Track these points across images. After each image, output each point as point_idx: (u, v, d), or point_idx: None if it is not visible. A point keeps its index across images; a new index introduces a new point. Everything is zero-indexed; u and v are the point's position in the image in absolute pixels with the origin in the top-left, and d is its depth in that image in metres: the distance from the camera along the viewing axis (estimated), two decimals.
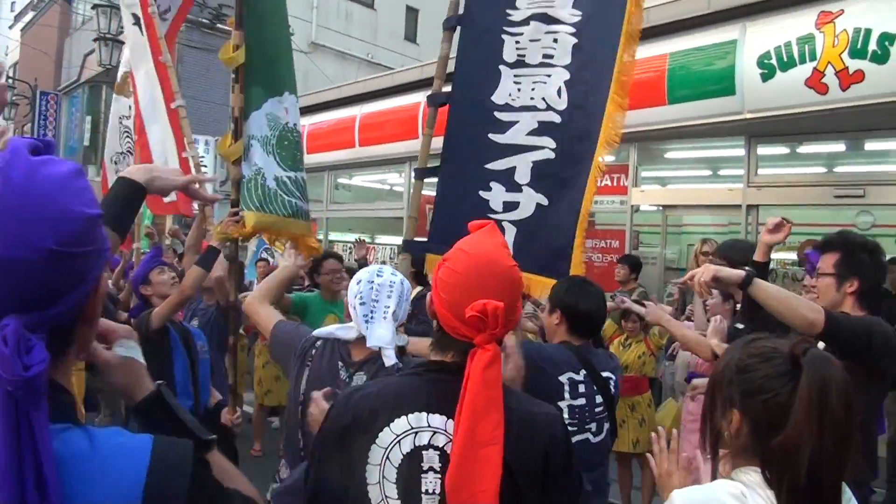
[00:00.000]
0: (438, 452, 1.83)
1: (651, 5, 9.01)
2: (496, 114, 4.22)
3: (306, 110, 14.30)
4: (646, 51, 8.59)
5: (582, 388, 3.44)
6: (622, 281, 7.74)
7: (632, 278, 7.81)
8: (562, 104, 4.09)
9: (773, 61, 7.56)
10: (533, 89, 4.18)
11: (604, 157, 3.93)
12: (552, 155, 4.10)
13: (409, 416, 1.86)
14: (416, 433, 1.84)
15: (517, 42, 4.21)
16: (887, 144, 8.21)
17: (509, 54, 4.21)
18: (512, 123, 4.20)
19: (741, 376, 1.70)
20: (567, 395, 3.41)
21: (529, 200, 4.16)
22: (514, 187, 4.18)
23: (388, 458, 1.83)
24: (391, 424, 1.85)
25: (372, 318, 2.89)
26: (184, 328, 4.80)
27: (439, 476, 1.81)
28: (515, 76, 4.21)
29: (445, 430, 1.84)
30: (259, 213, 4.53)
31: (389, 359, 2.87)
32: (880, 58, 6.88)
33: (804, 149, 9.11)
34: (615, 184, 9.71)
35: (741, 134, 8.63)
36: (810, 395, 1.57)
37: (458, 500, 1.71)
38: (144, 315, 4.54)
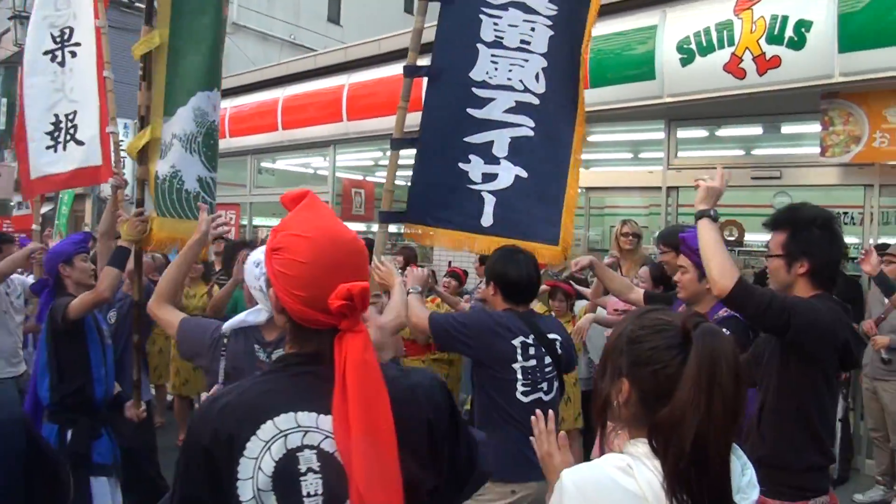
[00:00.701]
0: (315, 451, 1.69)
1: None
2: (474, 90, 4.34)
3: (227, 93, 13.97)
4: None
5: (532, 351, 3.69)
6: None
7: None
8: (540, 88, 4.36)
9: (693, 46, 7.69)
10: (510, 70, 4.36)
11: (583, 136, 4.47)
12: (531, 133, 4.37)
13: (276, 419, 1.69)
14: (287, 436, 1.68)
15: (495, 24, 4.33)
16: (803, 128, 8.43)
17: (487, 34, 4.33)
18: (489, 100, 4.35)
19: (632, 346, 1.71)
20: (520, 358, 3.66)
21: (508, 172, 4.37)
22: (492, 160, 4.37)
23: (259, 468, 1.66)
24: (258, 432, 1.68)
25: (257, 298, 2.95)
26: (94, 315, 4.71)
27: (319, 476, 1.68)
28: (493, 56, 4.35)
29: (318, 427, 1.70)
30: (175, 219, 4.46)
31: (252, 319, 2.97)
32: (796, 44, 7.05)
33: (722, 132, 9.33)
34: None
35: (661, 117, 8.78)
36: (699, 367, 1.58)
37: (366, 498, 1.59)
38: (62, 305, 4.43)
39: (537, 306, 6.66)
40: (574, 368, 4.34)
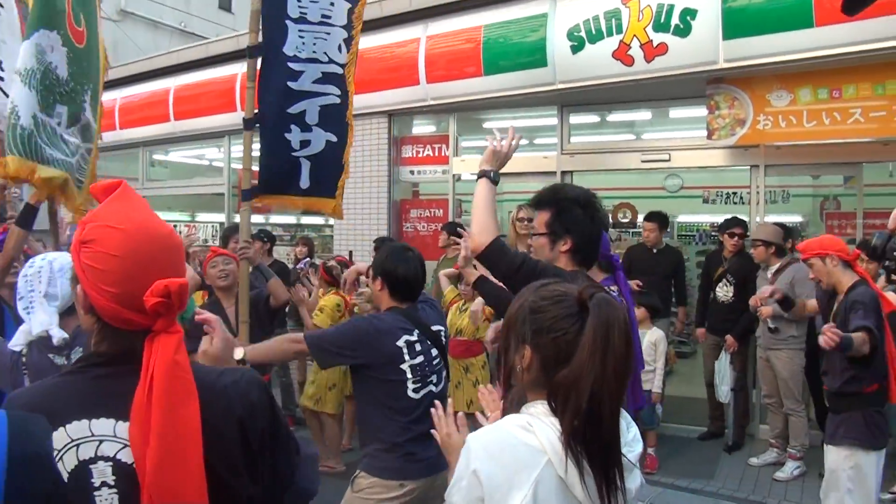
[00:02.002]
0: (110, 463, 1.55)
1: None
2: (289, 64, 4.76)
3: (117, 83, 13.58)
4: (461, 22, 8.79)
5: (418, 347, 3.74)
6: (445, 246, 7.88)
7: (452, 243, 7.96)
8: (342, 59, 4.94)
9: (582, 34, 7.82)
10: (315, 44, 4.84)
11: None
12: (337, 101, 4.92)
13: (68, 426, 1.55)
14: (79, 445, 1.54)
15: (299, 1, 4.74)
16: (690, 112, 8.66)
17: (293, 10, 4.73)
18: (301, 72, 4.80)
19: (533, 316, 1.83)
20: (407, 357, 3.69)
21: (319, 138, 4.92)
22: (306, 128, 4.87)
23: None
24: (68, 426, 1.55)
25: (32, 307, 2.94)
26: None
27: (115, 491, 1.55)
28: (300, 31, 4.77)
29: (115, 436, 1.56)
30: (17, 157, 4.35)
31: (56, 337, 2.93)
32: (682, 31, 7.26)
33: (613, 117, 9.53)
34: (436, 154, 9.84)
35: (554, 104, 8.91)
36: (595, 334, 1.72)
37: None
38: None
39: (448, 290, 6.83)
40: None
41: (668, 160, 8.48)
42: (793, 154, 7.77)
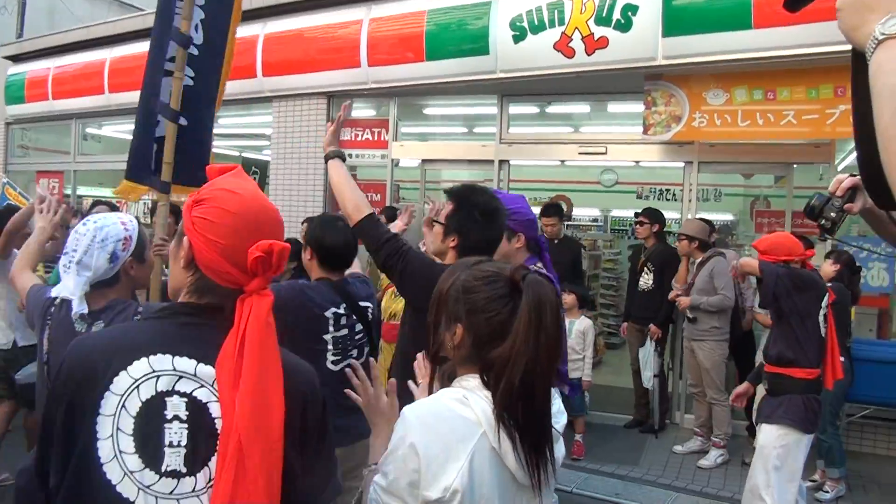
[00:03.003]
0: (186, 399, 1.60)
1: None
2: (166, 46, 4.73)
3: (51, 51, 13.31)
4: (405, 6, 8.78)
5: (343, 321, 3.79)
6: None
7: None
8: (199, 39, 4.80)
9: (525, 24, 7.88)
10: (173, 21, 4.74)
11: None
12: (191, 83, 4.73)
13: (151, 357, 1.61)
14: (159, 377, 1.59)
15: None
16: (628, 107, 8.78)
17: None
18: (166, 52, 4.73)
19: (467, 296, 1.86)
20: (331, 328, 3.76)
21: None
22: (163, 111, 4.70)
23: (124, 406, 1.56)
24: (129, 368, 1.59)
25: (68, 269, 2.87)
26: None
27: (186, 426, 1.58)
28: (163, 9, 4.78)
29: (195, 375, 1.62)
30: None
31: (74, 309, 2.84)
32: (623, 26, 7.36)
33: (552, 109, 9.63)
34: (376, 138, 9.81)
35: (494, 92, 8.95)
36: (529, 313, 1.75)
37: (246, 451, 1.54)
38: None
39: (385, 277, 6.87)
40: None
41: (605, 153, 8.58)
42: (726, 152, 7.96)
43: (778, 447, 4.89)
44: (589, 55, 7.58)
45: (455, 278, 1.92)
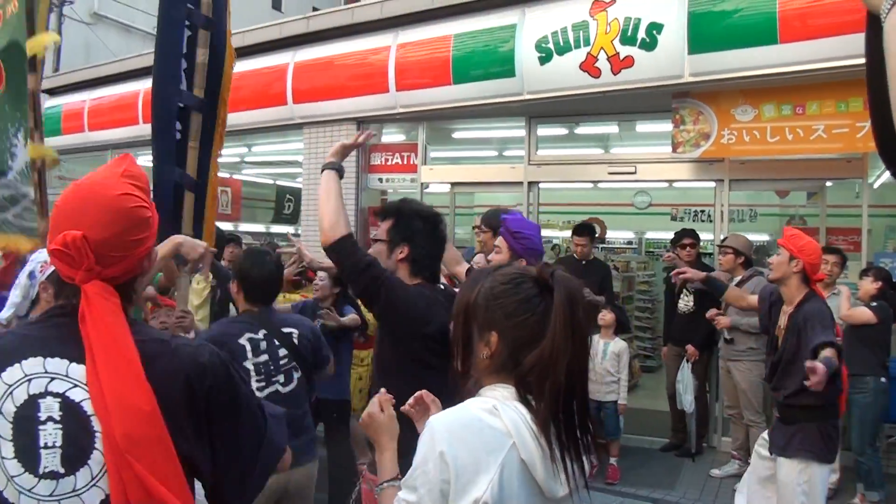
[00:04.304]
0: (59, 400, 1.59)
1: None
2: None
3: (86, 84, 13.54)
4: (431, 31, 8.82)
5: (263, 346, 3.83)
6: None
7: None
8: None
9: (550, 45, 7.87)
10: None
11: None
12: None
13: (24, 362, 1.61)
14: (31, 380, 1.60)
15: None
16: (656, 126, 8.72)
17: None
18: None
19: (497, 302, 1.82)
20: (250, 355, 3.79)
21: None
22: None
23: (0, 412, 1.58)
24: (2, 375, 1.60)
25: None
26: None
27: (60, 427, 1.58)
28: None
29: (67, 376, 1.62)
30: None
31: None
32: (649, 45, 7.32)
33: (580, 129, 9.60)
34: (405, 162, 9.84)
35: (522, 114, 8.95)
36: (564, 311, 1.73)
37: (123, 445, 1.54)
38: None
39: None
40: (328, 361, 4.32)
41: (634, 173, 8.52)
42: (757, 169, 7.86)
43: (801, 483, 4.58)
44: (615, 75, 7.54)
45: (480, 286, 1.88)
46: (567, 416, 1.73)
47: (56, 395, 1.60)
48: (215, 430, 1.76)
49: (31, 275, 3.11)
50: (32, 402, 1.59)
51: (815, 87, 7.02)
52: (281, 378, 3.87)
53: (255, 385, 3.76)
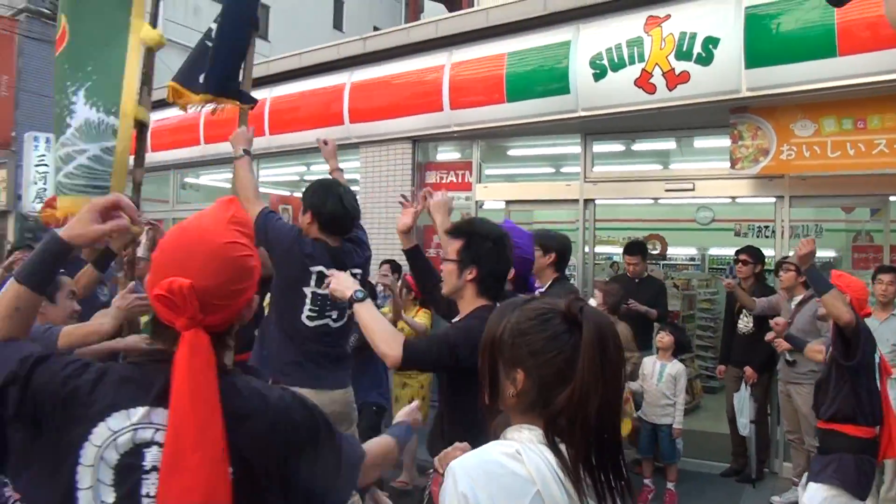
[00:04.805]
0: (163, 449, 1.60)
1: (489, 6, 9.21)
2: None
3: (152, 106, 13.81)
4: (485, 50, 8.82)
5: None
6: None
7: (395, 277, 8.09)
8: None
9: (605, 62, 7.79)
10: None
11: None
12: None
13: (131, 410, 1.62)
14: (136, 429, 1.61)
15: None
16: (714, 141, 8.55)
17: None
18: None
19: (524, 338, 1.73)
20: (313, 284, 3.99)
21: None
22: None
23: (102, 458, 1.58)
24: (108, 420, 1.60)
25: None
26: None
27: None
28: None
29: (165, 425, 1.61)
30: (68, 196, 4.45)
31: None
32: (705, 60, 7.19)
33: (636, 146, 9.44)
34: (460, 180, 9.85)
35: (577, 131, 8.87)
36: (593, 348, 1.64)
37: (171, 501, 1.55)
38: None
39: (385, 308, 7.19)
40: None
41: (693, 189, 8.37)
42: (818, 185, 7.65)
43: None
44: (671, 90, 7.43)
45: (506, 321, 1.79)
46: (599, 460, 1.65)
47: (161, 444, 1.60)
48: (293, 480, 1.76)
49: None
50: (138, 452, 1.61)
51: (877, 101, 6.80)
52: (334, 314, 4.08)
53: (306, 313, 3.99)
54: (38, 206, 17.20)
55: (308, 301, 3.98)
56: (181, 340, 1.62)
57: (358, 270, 4.11)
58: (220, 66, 4.85)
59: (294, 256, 4.03)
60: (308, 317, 3.98)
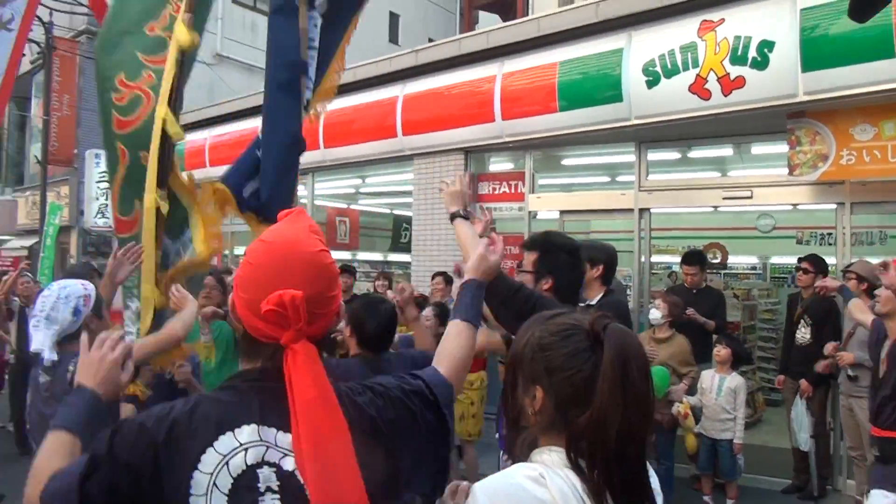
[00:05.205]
0: (275, 469, 1.60)
1: (540, 15, 9.17)
2: None
3: (208, 122, 14.04)
4: (537, 59, 8.77)
5: None
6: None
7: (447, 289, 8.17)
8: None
9: (658, 68, 7.68)
10: None
11: None
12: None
13: (237, 430, 1.61)
14: (247, 450, 1.60)
15: None
16: (771, 147, 8.36)
17: None
18: None
19: (543, 354, 1.66)
20: None
21: None
22: None
23: (215, 484, 1.56)
24: (215, 444, 1.59)
25: (37, 326, 3.15)
26: None
27: (278, 497, 1.59)
28: None
29: (276, 444, 1.62)
30: None
31: (45, 358, 3.13)
32: (760, 64, 7.04)
33: (692, 153, 9.29)
34: (513, 191, 9.80)
35: (631, 140, 8.75)
36: (613, 368, 1.55)
37: None
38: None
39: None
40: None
41: (750, 197, 8.17)
42: (880, 191, 7.40)
43: None
44: (726, 96, 7.28)
45: (530, 335, 1.72)
46: (624, 484, 1.56)
47: (272, 464, 1.61)
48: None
49: (77, 311, 3.19)
50: (251, 473, 1.60)
51: None
52: None
53: None
54: (100, 222, 17.62)
55: None
56: (290, 353, 1.60)
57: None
58: (268, 187, 4.50)
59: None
60: None
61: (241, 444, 1.60)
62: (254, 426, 1.62)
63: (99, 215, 17.73)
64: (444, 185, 3.57)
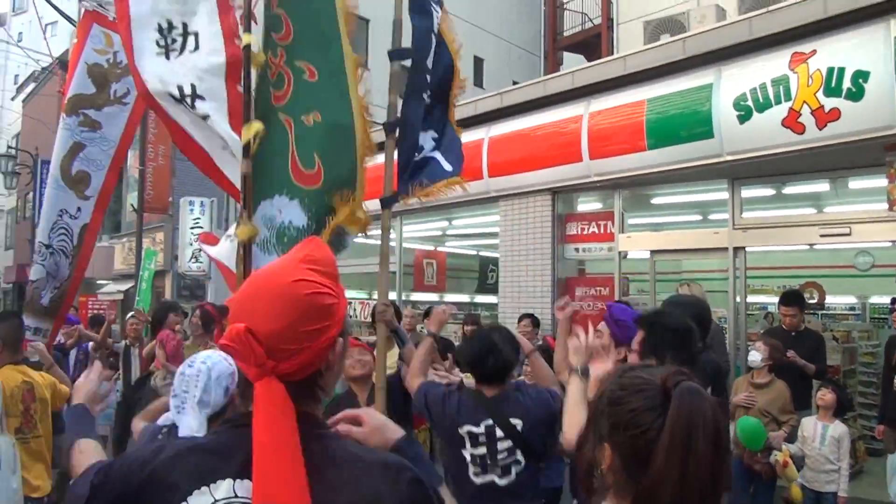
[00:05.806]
0: None
1: (628, 53, 9.12)
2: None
3: None
4: (624, 97, 8.71)
5: (482, 439, 3.79)
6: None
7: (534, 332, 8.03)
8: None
9: (749, 103, 7.54)
10: None
11: None
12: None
13: (212, 486, 1.53)
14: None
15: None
16: (869, 182, 8.08)
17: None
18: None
19: (612, 408, 1.55)
20: (468, 446, 3.81)
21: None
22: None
23: None
24: (190, 500, 1.52)
25: (183, 408, 3.03)
26: None
27: None
28: None
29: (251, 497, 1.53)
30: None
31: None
32: (855, 95, 6.85)
33: (787, 189, 9.05)
34: (602, 231, 9.69)
35: (723, 176, 8.57)
36: (674, 432, 1.42)
37: None
38: None
39: None
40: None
41: (849, 234, 7.91)
42: None
43: None
44: (821, 129, 7.09)
45: (604, 388, 1.62)
46: None
47: None
48: None
49: (227, 390, 3.09)
50: None
51: None
52: (498, 471, 3.79)
53: (472, 471, 3.79)
54: (194, 266, 18.05)
55: (468, 462, 3.82)
56: (255, 392, 1.53)
57: (518, 421, 3.82)
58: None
59: (443, 419, 3.93)
60: (475, 473, 3.81)
61: (215, 501, 1.51)
62: (229, 481, 1.53)
63: (192, 260, 18.18)
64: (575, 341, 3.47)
